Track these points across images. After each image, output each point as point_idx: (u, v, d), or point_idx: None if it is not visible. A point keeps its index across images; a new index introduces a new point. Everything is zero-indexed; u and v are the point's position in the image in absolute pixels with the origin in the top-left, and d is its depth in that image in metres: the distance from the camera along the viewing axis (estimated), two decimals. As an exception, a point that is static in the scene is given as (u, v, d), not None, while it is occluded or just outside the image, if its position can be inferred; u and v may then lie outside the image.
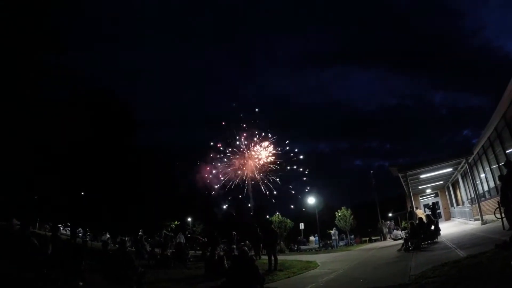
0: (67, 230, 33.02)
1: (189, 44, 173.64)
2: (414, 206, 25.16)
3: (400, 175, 26.99)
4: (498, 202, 17.17)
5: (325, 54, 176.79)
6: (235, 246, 20.24)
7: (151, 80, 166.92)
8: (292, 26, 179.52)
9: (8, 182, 21.08)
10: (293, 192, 52.41)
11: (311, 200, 42.40)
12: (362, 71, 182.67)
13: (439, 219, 26.91)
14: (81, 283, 10.18)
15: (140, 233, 24.43)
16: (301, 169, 51.88)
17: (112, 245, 26.25)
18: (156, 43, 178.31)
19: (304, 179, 52.12)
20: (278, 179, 51.43)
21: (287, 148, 52.49)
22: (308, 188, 51.07)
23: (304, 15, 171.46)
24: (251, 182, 51.72)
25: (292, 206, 52.47)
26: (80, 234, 35.04)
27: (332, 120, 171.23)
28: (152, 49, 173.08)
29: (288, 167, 51.48)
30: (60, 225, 29.44)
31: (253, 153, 51.24)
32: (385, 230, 30.92)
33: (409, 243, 15.68)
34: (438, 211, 33.22)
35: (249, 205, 52.23)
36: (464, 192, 29.16)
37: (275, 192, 51.42)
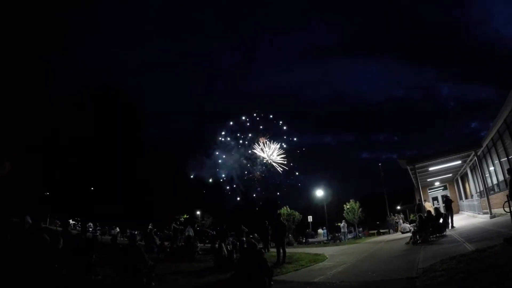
0: (78, 226, 33.42)
1: (194, 39, 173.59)
2: (422, 199, 25.10)
3: (408, 168, 26.94)
4: (507, 195, 17.12)
5: (330, 46, 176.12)
6: (244, 239, 20.37)
7: (158, 76, 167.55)
8: (296, 18, 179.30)
9: (20, 179, 21.37)
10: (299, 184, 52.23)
11: (319, 193, 42.38)
12: (368, 63, 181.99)
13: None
14: (99, 277, 10.35)
15: (149, 226, 24.63)
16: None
17: (121, 238, 26.56)
18: (161, 40, 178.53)
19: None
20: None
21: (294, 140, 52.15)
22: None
23: (308, 6, 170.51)
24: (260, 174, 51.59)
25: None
26: (90, 229, 35.44)
27: (338, 112, 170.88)
28: (157, 46, 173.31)
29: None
30: (70, 220, 29.84)
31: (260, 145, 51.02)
32: (399, 221, 30.62)
33: (417, 236, 15.68)
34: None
35: (254, 195, 52.02)
36: (473, 185, 29.00)
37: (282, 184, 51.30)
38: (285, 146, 50.92)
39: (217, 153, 49.21)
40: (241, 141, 49.97)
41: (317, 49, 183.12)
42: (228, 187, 52.02)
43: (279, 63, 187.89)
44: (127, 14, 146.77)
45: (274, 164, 50.34)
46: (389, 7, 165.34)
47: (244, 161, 50.01)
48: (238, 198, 54.41)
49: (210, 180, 48.35)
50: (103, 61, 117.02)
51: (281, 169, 49.77)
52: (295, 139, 51.42)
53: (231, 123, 49.83)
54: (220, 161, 49.31)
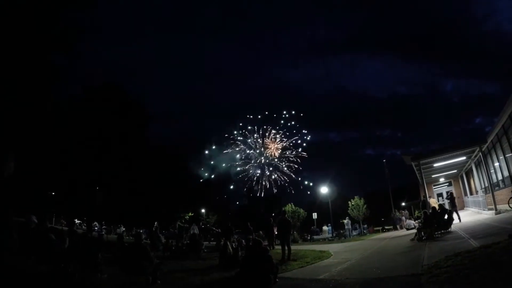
0: (83, 226, 33.58)
1: (196, 37, 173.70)
2: (427, 195, 25.05)
3: (413, 164, 26.90)
4: (512, 191, 17.09)
5: (334, 42, 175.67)
6: (251, 237, 20.42)
7: (161, 75, 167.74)
8: (298, 14, 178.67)
9: (25, 179, 21.49)
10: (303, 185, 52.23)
11: (324, 190, 42.35)
12: (371, 59, 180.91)
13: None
14: (105, 275, 10.40)
15: (155, 225, 24.75)
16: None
17: (127, 237, 26.68)
18: (163, 39, 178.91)
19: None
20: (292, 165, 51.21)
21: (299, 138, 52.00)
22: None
23: (311, 2, 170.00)
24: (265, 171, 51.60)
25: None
26: (96, 228, 35.61)
27: (342, 109, 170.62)
28: (159, 45, 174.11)
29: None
30: (75, 219, 29.97)
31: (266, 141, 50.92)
32: (404, 218, 30.61)
33: (422, 233, 15.65)
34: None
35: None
36: (477, 181, 28.94)
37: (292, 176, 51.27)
38: (288, 142, 50.84)
39: (220, 151, 49.25)
40: (243, 139, 49.93)
41: (320, 45, 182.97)
42: (232, 186, 52.06)
43: (282, 60, 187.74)
44: (128, 13, 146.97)
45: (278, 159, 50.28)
46: (392, 3, 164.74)
47: (246, 155, 49.93)
48: (244, 192, 54.42)
49: (212, 176, 48.45)
50: (106, 61, 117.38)
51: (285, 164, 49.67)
52: (304, 134, 51.18)
53: (234, 121, 49.69)
54: (222, 159, 49.36)
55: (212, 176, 48.12)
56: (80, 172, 25.03)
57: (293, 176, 51.64)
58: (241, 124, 49.69)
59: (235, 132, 49.47)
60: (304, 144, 50.87)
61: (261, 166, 51.28)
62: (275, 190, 51.43)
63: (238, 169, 49.94)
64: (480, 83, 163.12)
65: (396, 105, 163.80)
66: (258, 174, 51.38)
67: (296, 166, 51.67)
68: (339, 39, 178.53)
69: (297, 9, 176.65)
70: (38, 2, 17.46)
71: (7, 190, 19.19)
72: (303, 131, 51.55)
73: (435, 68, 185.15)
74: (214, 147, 48.20)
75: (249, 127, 49.82)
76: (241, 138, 49.94)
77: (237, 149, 50.15)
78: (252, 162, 50.90)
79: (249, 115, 49.50)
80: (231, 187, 54.16)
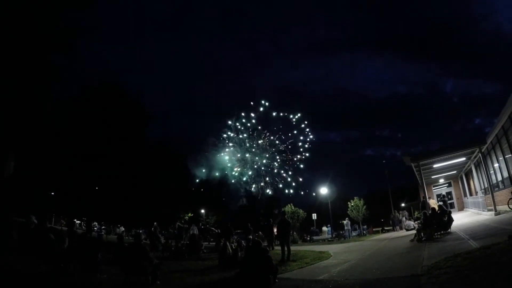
0: (83, 226, 33.57)
1: (196, 37, 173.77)
2: (427, 196, 25.01)
3: (413, 165, 26.85)
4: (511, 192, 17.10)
5: (334, 42, 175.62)
6: (251, 237, 20.40)
7: (160, 75, 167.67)
8: (298, 14, 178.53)
9: (25, 179, 21.48)
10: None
11: (323, 190, 42.31)
12: (371, 59, 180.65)
13: (452, 209, 26.70)
14: (105, 276, 10.39)
15: (154, 225, 24.74)
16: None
17: (127, 237, 26.66)
18: (162, 38, 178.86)
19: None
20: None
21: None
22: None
23: (311, 1, 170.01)
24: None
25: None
26: (96, 228, 35.59)
27: (342, 109, 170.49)
28: (159, 45, 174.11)
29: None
30: (75, 219, 29.95)
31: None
32: (403, 219, 30.60)
33: (422, 234, 15.66)
34: (450, 201, 33.16)
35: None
36: (477, 182, 28.91)
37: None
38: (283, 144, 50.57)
39: (218, 151, 49.06)
40: (244, 137, 49.66)
41: (320, 45, 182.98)
42: (230, 187, 51.87)
43: (282, 60, 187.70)
44: (127, 13, 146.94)
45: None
46: (392, 3, 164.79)
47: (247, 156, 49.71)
48: (242, 193, 54.20)
49: (208, 178, 48.34)
50: (105, 61, 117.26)
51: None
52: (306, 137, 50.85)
53: (233, 121, 49.33)
54: (220, 159, 49.18)
55: (208, 178, 48.04)
56: (80, 172, 25.01)
57: (290, 179, 51.30)
58: (230, 122, 49.45)
59: (231, 133, 49.35)
60: (306, 146, 50.43)
61: (257, 168, 51.03)
62: (271, 192, 51.15)
63: (235, 170, 49.80)
64: (480, 83, 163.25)
65: (396, 105, 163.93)
66: (254, 176, 51.13)
67: (293, 170, 51.30)
68: (339, 39, 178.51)
69: (297, 9, 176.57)
70: (38, 2, 17.47)
71: (7, 190, 19.22)
72: (306, 131, 51.06)
73: (435, 68, 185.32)
74: (211, 148, 48.09)
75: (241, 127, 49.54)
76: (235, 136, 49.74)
77: (228, 150, 49.95)
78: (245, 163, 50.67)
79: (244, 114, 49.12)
80: (224, 195, 54.12)
